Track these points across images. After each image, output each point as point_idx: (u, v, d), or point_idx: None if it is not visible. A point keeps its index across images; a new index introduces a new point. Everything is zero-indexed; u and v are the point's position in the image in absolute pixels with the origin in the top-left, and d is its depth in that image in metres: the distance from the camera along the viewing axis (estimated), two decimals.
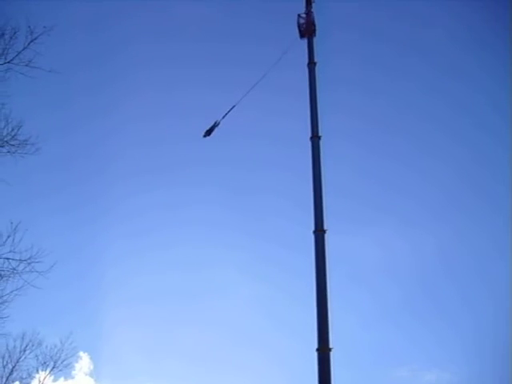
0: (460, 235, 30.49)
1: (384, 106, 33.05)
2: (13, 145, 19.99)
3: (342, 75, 30.08)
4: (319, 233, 14.78)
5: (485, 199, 31.19)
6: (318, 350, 13.69)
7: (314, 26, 19.04)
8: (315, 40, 18.83)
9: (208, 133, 18.37)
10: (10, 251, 19.56)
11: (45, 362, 30.30)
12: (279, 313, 28.30)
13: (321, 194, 15.27)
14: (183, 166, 34.38)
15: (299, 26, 19.13)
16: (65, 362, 30.24)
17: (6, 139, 19.84)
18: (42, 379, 30.54)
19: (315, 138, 16.39)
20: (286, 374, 26.29)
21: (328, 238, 14.70)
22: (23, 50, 19.04)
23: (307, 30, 18.90)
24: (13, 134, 19.90)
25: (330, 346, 13.68)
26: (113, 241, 31.88)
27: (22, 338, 29.49)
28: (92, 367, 30.24)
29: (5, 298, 20.03)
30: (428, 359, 26.90)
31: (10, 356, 29.32)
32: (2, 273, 19.61)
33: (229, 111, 18.66)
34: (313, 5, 19.40)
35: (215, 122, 18.42)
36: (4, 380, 29.06)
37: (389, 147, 32.80)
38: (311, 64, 18.06)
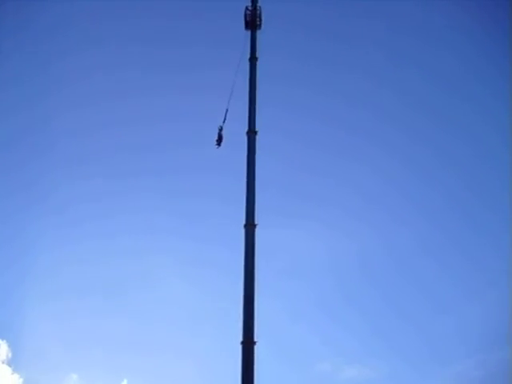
0: (395, 229, 31.17)
1: (322, 101, 33.20)
2: None
3: (282, 70, 30.20)
4: (249, 227, 14.87)
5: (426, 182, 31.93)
6: (242, 342, 13.79)
7: (260, 20, 19.07)
8: (259, 35, 18.91)
9: (219, 142, 17.85)
10: None
11: None
12: (207, 307, 28.20)
13: (253, 189, 15.35)
14: (118, 155, 33.56)
15: (245, 17, 19.09)
16: None
17: None
18: None
19: (251, 133, 16.44)
20: (211, 367, 26.25)
21: (258, 233, 14.81)
22: None
23: (252, 23, 18.90)
24: None
25: (255, 339, 13.82)
26: (44, 231, 30.88)
27: None
28: (10, 355, 29.26)
29: None
30: (350, 354, 27.54)
31: None
32: None
33: (225, 116, 18.10)
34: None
35: (219, 129, 17.96)
36: None
37: (324, 141, 33.12)
38: (253, 59, 18.10)
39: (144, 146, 33.08)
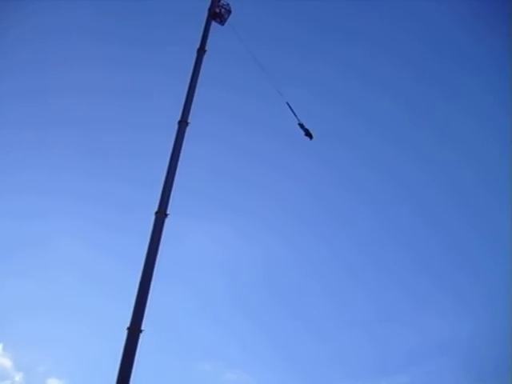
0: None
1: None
2: None
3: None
4: (160, 215, 14.78)
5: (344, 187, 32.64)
6: (128, 328, 13.65)
7: (221, 15, 19.07)
8: (215, 28, 18.87)
9: (309, 135, 18.78)
10: None
11: None
12: (104, 276, 27.62)
13: (172, 178, 15.28)
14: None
15: (209, 8, 18.99)
16: None
17: None
18: None
19: (183, 123, 16.35)
20: (97, 348, 25.69)
21: (167, 224, 14.73)
22: None
23: (213, 14, 18.88)
24: None
25: (142, 327, 13.71)
26: None
27: None
28: None
29: None
30: (233, 359, 27.91)
31: None
32: None
33: (292, 110, 18.79)
34: None
35: (300, 125, 18.80)
36: None
37: (247, 147, 33.38)
38: (201, 50, 18.00)
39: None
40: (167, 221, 14.76)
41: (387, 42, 35.13)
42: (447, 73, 34.05)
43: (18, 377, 27.23)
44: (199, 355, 27.31)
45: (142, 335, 13.65)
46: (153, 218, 14.78)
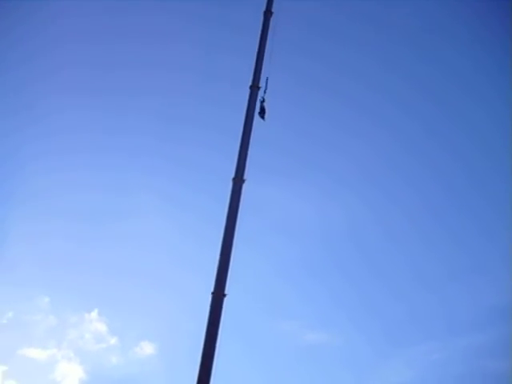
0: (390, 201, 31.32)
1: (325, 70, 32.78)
2: None
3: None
4: (237, 181, 14.81)
5: (418, 160, 32.15)
6: (212, 293, 13.89)
7: None
8: None
9: (262, 114, 16.51)
10: None
11: None
12: (189, 249, 28.41)
13: (247, 143, 15.23)
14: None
15: None
16: None
17: None
18: None
19: (254, 88, 16.22)
20: (184, 312, 26.62)
21: (245, 188, 14.77)
22: None
23: None
24: None
25: (226, 292, 13.91)
26: (37, 156, 30.64)
27: None
28: None
29: None
30: (315, 319, 27.93)
31: None
32: None
33: (266, 85, 16.69)
34: None
35: (261, 101, 16.59)
36: None
37: (325, 108, 32.92)
38: (267, 12, 17.67)
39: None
40: (245, 186, 14.79)
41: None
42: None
43: (112, 340, 28.63)
44: (281, 316, 27.59)
45: (225, 299, 13.88)
46: (230, 184, 14.83)
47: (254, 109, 15.82)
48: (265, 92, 16.57)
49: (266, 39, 17.25)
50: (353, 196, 30.81)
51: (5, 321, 27.25)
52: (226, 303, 13.87)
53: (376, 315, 27.76)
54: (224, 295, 13.88)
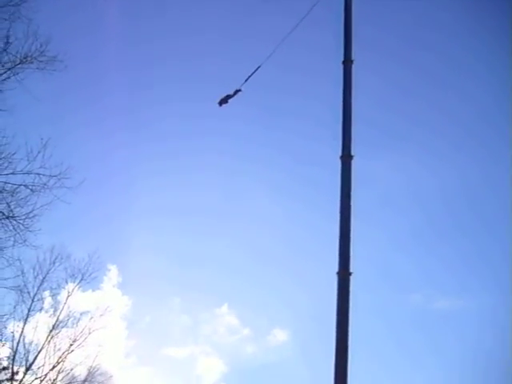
0: (481, 168, 29.96)
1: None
2: (41, 61, 20.06)
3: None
4: (345, 159, 14.65)
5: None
6: (338, 273, 13.83)
7: None
8: None
9: (225, 100, 15.88)
10: (41, 167, 20.20)
11: (73, 275, 32.03)
12: (306, 233, 28.60)
13: (350, 120, 14.99)
14: None
15: None
16: (92, 275, 31.89)
17: (34, 55, 19.89)
18: (70, 290, 32.19)
19: (348, 63, 15.90)
20: (309, 295, 26.80)
21: (355, 165, 14.55)
22: None
23: None
24: (41, 50, 19.93)
25: (351, 270, 13.79)
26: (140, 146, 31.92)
27: (52, 251, 31.12)
28: (120, 280, 31.05)
29: (36, 211, 20.79)
30: (442, 286, 27.08)
31: (40, 267, 31.16)
32: (33, 187, 20.20)
33: (253, 73, 16.13)
34: None
35: (236, 91, 16.02)
36: (35, 289, 30.80)
37: (413, 85, 32.02)
38: None
39: None
40: (353, 163, 14.60)
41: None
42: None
43: (245, 331, 29.52)
44: (407, 287, 27.13)
45: (352, 278, 13.76)
46: (339, 163, 14.70)
47: (351, 83, 15.52)
48: (246, 81, 15.47)
49: (350, 13, 16.84)
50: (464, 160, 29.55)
51: (143, 325, 28.84)
52: (352, 282, 13.78)
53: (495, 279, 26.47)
54: (350, 274, 13.76)
